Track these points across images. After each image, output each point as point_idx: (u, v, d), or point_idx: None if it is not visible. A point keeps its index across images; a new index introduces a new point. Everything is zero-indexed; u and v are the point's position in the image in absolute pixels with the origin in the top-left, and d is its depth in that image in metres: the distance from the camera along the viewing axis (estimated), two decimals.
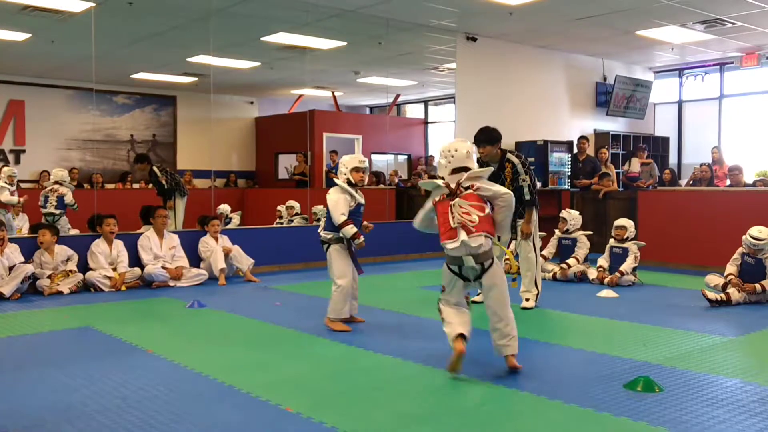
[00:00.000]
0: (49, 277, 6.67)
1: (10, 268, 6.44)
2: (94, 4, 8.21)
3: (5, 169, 9.01)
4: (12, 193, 8.69)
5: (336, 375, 3.96)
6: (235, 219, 11.04)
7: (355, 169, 5.11)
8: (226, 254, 7.59)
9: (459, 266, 3.88)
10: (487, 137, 5.64)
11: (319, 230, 5.21)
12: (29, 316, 5.69)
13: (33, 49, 10.60)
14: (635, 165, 11.36)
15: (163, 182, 8.90)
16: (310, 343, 4.74)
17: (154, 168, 9.02)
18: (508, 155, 5.70)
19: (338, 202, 5.00)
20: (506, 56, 10.90)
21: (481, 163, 5.60)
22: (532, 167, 5.85)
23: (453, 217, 3.83)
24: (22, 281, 6.41)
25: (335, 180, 5.18)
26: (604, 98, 12.48)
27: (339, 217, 4.96)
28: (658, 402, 3.39)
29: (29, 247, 6.76)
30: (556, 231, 7.88)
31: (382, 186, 12.40)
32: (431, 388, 3.68)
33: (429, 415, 3.24)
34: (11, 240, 6.77)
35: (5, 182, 8.65)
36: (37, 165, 12.73)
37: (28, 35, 9.76)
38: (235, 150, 15.60)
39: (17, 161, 12.88)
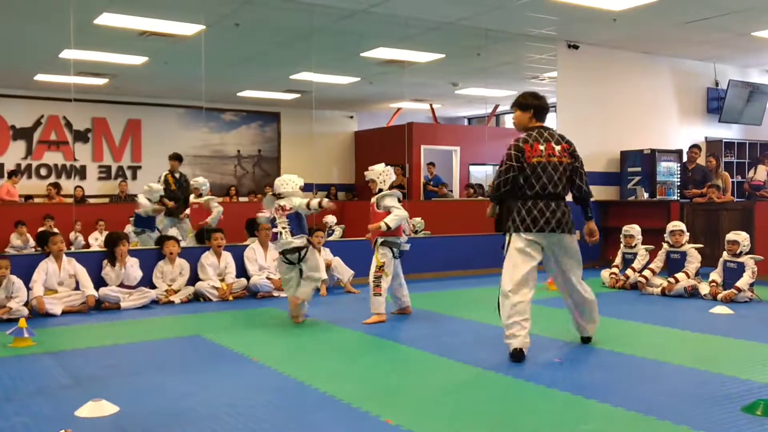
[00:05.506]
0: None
1: (127, 286, 6.82)
2: (204, 27, 8.63)
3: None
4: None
5: (437, 388, 3.93)
6: (338, 231, 11.24)
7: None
8: (328, 266, 7.73)
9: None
10: (517, 100, 4.97)
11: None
12: (144, 324, 6.02)
13: (149, 71, 11.24)
14: (761, 173, 10.68)
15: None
16: (412, 356, 4.75)
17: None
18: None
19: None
20: (609, 63, 10.59)
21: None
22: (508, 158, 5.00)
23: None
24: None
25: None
26: (716, 104, 11.85)
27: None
28: None
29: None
30: (664, 244, 7.55)
31: (480, 198, 12.30)
32: (545, 404, 3.59)
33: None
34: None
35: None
36: (151, 180, 13.52)
37: (146, 59, 10.37)
38: (336, 163, 15.93)
39: (134, 177, 13.69)
